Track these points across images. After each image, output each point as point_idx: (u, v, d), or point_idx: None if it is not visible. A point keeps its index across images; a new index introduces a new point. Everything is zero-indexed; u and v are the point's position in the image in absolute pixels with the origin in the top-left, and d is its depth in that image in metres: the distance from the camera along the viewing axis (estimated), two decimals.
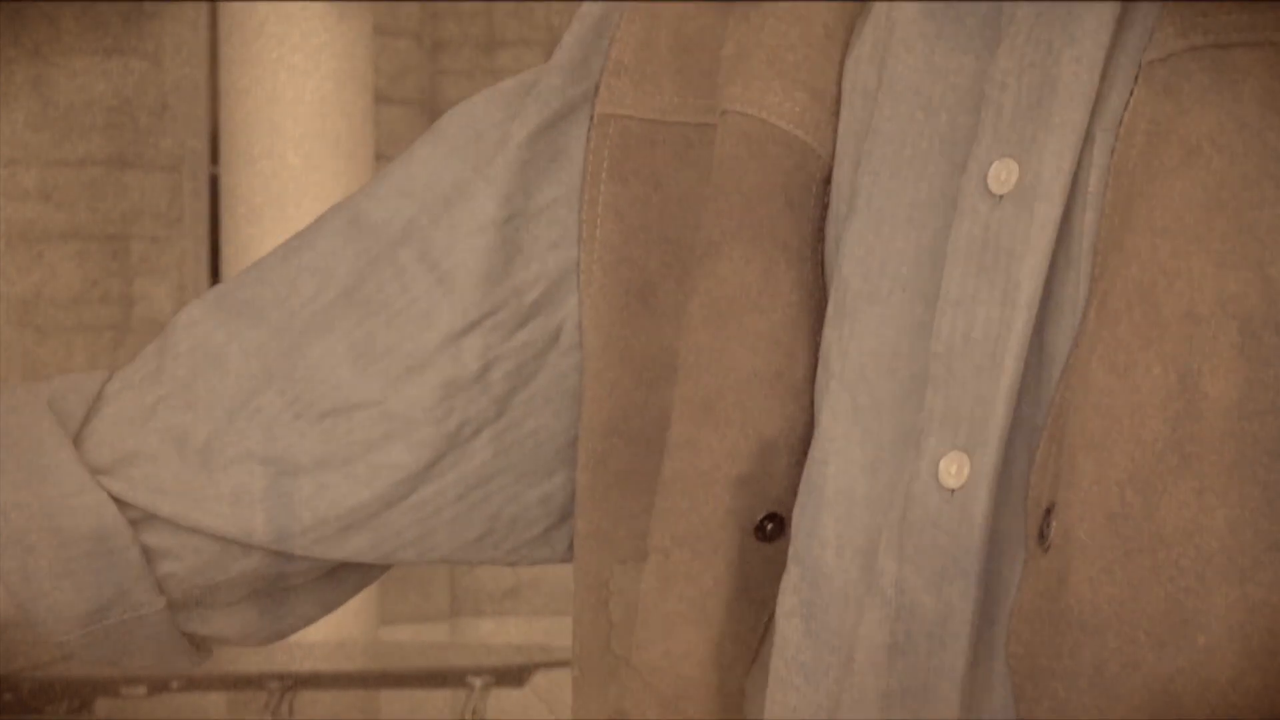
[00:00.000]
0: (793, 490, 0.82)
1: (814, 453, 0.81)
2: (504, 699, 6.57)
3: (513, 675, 6.10)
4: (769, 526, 0.82)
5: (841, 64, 0.86)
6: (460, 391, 0.93)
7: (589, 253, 0.91)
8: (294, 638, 6.96)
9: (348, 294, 0.94)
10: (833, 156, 0.84)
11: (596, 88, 0.93)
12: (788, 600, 0.80)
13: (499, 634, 9.02)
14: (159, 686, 6.00)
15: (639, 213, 0.90)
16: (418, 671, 6.30)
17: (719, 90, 0.88)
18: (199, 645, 1.00)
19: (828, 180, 0.84)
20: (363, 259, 0.95)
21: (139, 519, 0.95)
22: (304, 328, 0.94)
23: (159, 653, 0.98)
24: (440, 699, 8.26)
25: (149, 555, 0.95)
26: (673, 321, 0.88)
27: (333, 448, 0.93)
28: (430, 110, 9.34)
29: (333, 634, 7.04)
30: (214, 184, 8.85)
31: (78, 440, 0.96)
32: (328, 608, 1.01)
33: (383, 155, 7.95)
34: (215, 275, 8.96)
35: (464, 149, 0.95)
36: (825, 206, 0.85)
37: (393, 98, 8.98)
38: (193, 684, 6.14)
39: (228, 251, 7.33)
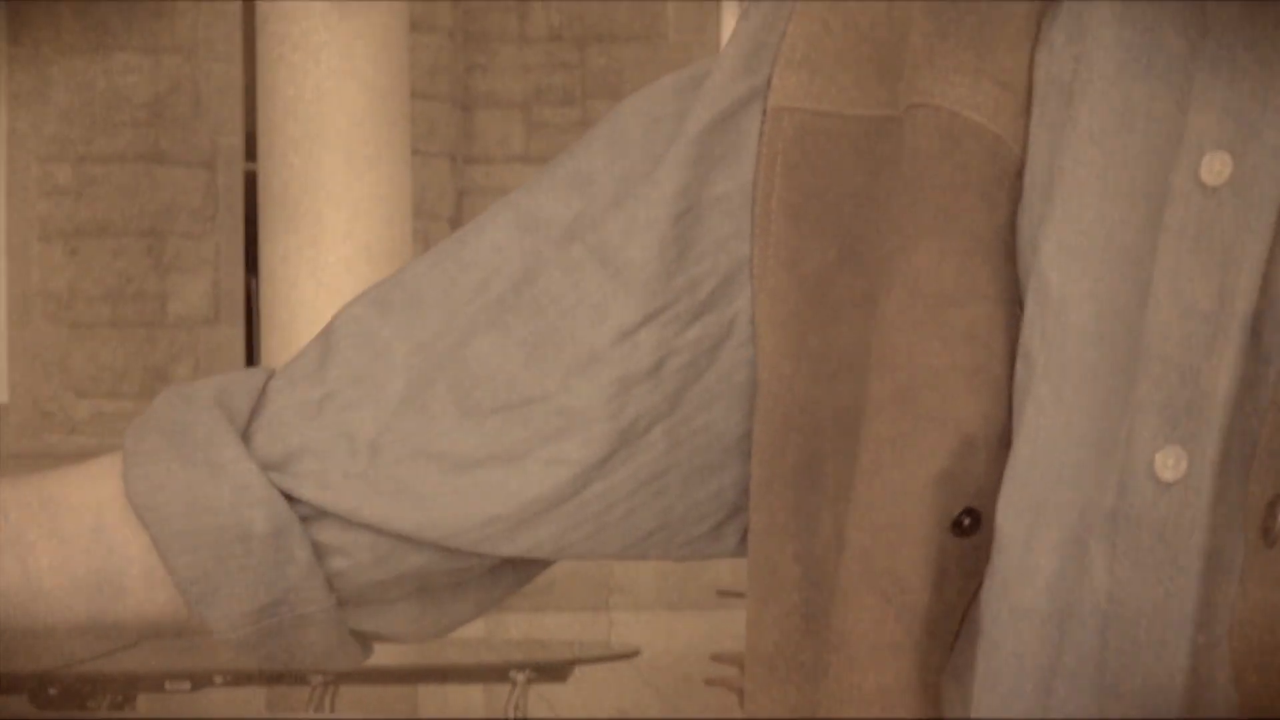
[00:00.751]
0: (990, 485, 0.81)
1: (1018, 447, 0.80)
2: (546, 693, 6.58)
3: (556, 670, 6.10)
4: (966, 521, 0.82)
5: (1032, 56, 0.85)
6: (634, 386, 0.92)
7: (763, 246, 0.91)
8: None
9: (516, 288, 0.94)
10: (1024, 150, 0.84)
11: (769, 81, 0.92)
12: (992, 596, 0.80)
13: (535, 629, 9.02)
14: (203, 681, 6.01)
15: (815, 206, 0.90)
16: (460, 666, 6.30)
17: (907, 83, 0.87)
18: (359, 643, 1.00)
19: (1019, 173, 0.84)
20: (531, 253, 0.94)
21: (309, 515, 0.95)
22: (471, 323, 0.94)
23: (324, 650, 0.98)
24: (479, 694, 8.27)
25: (319, 552, 0.95)
26: (850, 315, 0.88)
27: (505, 443, 0.93)
28: (462, 106, 9.35)
29: None
30: (248, 180, 8.86)
31: (245, 437, 0.96)
32: (483, 607, 1.01)
33: (417, 152, 7.95)
34: (249, 271, 8.97)
35: (635, 143, 0.94)
36: (1016, 200, 0.84)
37: (425, 93, 8.98)
38: (236, 679, 6.15)
39: (265, 249, 7.33)
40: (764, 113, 0.92)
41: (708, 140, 0.92)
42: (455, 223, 9.22)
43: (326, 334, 0.97)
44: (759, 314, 0.91)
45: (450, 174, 9.15)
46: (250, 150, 8.83)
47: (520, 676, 6.01)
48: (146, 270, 8.61)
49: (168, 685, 5.96)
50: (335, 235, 7.17)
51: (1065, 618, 0.78)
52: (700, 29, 9.42)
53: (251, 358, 9.00)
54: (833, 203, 0.90)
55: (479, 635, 8.68)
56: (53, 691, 5.89)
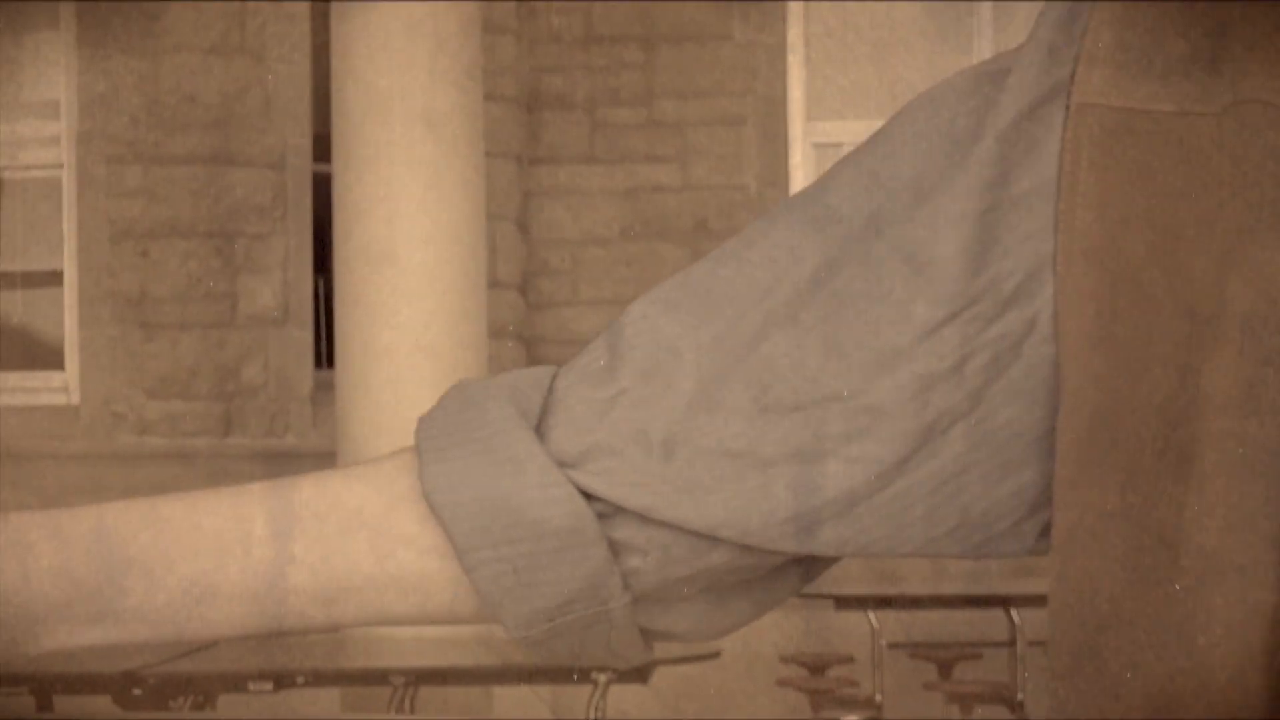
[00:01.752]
0: None
1: None
2: (625, 694, 6.58)
3: (636, 671, 6.10)
4: None
5: None
6: (936, 385, 0.92)
7: (1068, 242, 0.90)
8: (411, 631, 6.97)
9: (814, 285, 0.94)
10: None
11: (1071, 77, 0.92)
12: None
13: None
14: (285, 681, 6.02)
15: (1122, 202, 0.89)
16: (541, 667, 6.29)
17: (1229, 81, 0.87)
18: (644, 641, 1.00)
19: None
20: (829, 250, 0.94)
21: (605, 513, 0.94)
22: (765, 320, 0.94)
23: (614, 648, 0.98)
24: (548, 694, 8.27)
25: (614, 550, 0.95)
26: (1163, 309, 0.87)
27: (805, 441, 0.93)
28: (529, 107, 9.35)
29: (447, 630, 7.04)
30: (316, 181, 8.88)
31: (539, 434, 0.95)
32: (764, 607, 1.00)
33: (486, 153, 7.95)
34: (318, 272, 8.99)
35: (935, 139, 0.94)
36: None
37: (491, 94, 8.98)
38: (317, 679, 6.16)
39: (339, 250, 7.35)
40: (1067, 109, 0.92)
41: (1012, 137, 0.92)
42: (521, 224, 9.22)
43: (613, 333, 0.97)
44: (1063, 310, 0.90)
45: (516, 175, 9.16)
46: (318, 151, 8.86)
47: (602, 677, 6.00)
48: (216, 271, 8.63)
49: (251, 686, 5.97)
50: (411, 236, 7.18)
51: None
52: (766, 29, 9.41)
53: (320, 358, 9.02)
54: (1140, 198, 0.89)
55: None
56: (137, 692, 5.91)
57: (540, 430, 0.96)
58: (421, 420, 0.97)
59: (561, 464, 0.94)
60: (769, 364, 0.93)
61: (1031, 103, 0.92)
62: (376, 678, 6.08)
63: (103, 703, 6.13)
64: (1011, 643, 8.01)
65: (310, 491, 0.98)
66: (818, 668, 8.38)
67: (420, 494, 0.96)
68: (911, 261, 0.92)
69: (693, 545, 0.95)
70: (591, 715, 6.12)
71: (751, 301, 0.94)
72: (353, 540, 0.97)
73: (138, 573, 0.97)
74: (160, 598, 0.97)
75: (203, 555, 0.97)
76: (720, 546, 0.95)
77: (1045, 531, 0.94)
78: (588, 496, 0.94)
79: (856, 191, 0.95)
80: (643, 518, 0.94)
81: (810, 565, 0.99)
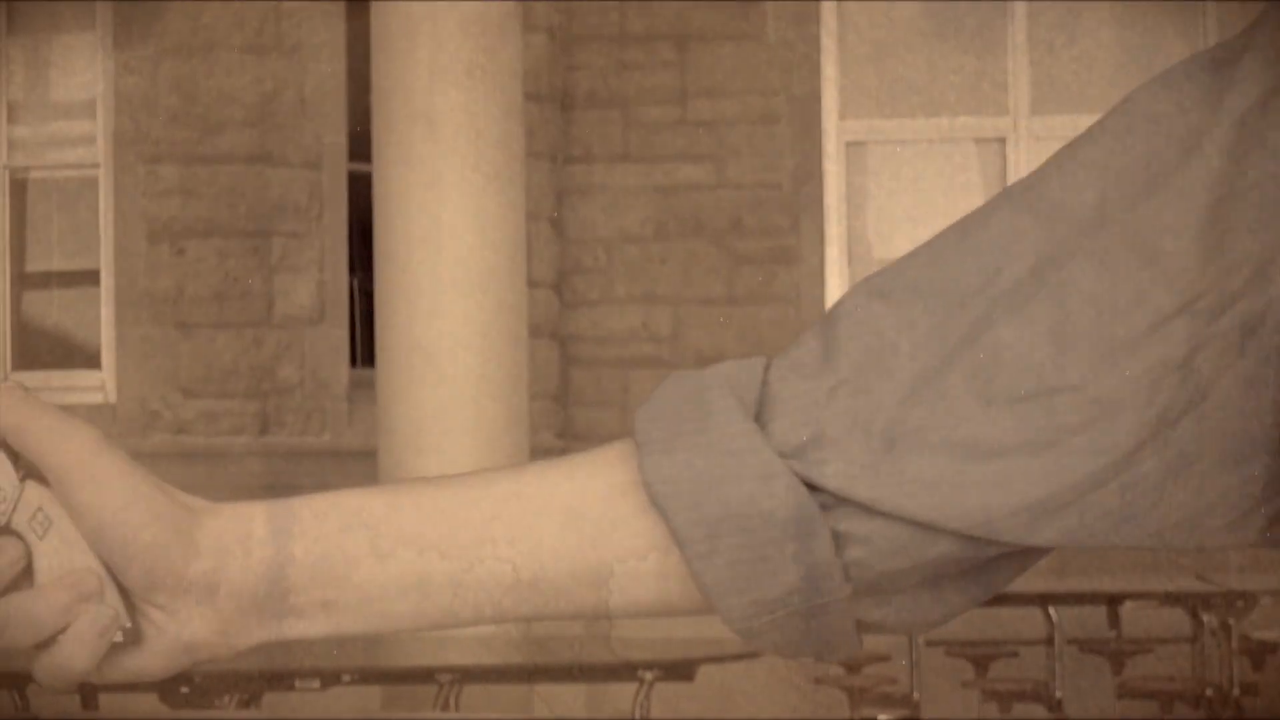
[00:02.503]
0: None
1: None
2: (669, 692, 6.57)
3: (682, 669, 6.10)
4: None
5: None
6: (1166, 376, 0.92)
7: None
8: (455, 630, 6.97)
9: (1038, 275, 0.93)
10: None
11: None
12: None
13: (644, 627, 9.01)
14: (332, 679, 6.03)
15: None
16: (587, 665, 6.30)
17: None
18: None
19: None
20: (1053, 239, 0.94)
21: (828, 504, 0.94)
22: (987, 309, 0.94)
23: (829, 640, 0.97)
24: (583, 692, 8.27)
25: (836, 541, 0.95)
26: None
27: (1032, 432, 0.93)
28: (563, 105, 9.35)
29: (490, 628, 7.04)
30: (351, 179, 8.88)
31: (758, 425, 0.95)
32: (976, 600, 1.00)
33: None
34: (353, 271, 8.99)
35: (1161, 130, 0.94)
36: None
37: (526, 93, 8.98)
38: (365, 677, 6.17)
39: (379, 249, 7.35)
40: None
41: (1244, 126, 0.92)
42: (556, 223, 9.22)
43: (827, 324, 0.97)
44: None
45: (551, 174, 9.16)
46: (354, 150, 8.86)
47: (648, 675, 6.00)
48: (253, 270, 8.64)
49: (298, 683, 5.98)
50: (452, 234, 7.19)
51: None
52: (800, 27, 9.41)
53: (355, 357, 9.02)
54: None
55: (578, 634, 8.68)
56: (185, 690, 5.91)
57: (759, 420, 0.95)
58: (640, 411, 0.97)
59: (782, 454, 0.94)
60: (993, 355, 0.93)
61: (1263, 93, 0.92)
62: (423, 676, 6.09)
63: (149, 701, 6.14)
64: (1049, 641, 8.01)
65: (531, 481, 0.98)
66: (853, 665, 8.38)
67: (639, 484, 0.96)
68: (1141, 251, 0.92)
69: (915, 537, 0.94)
70: (637, 714, 6.12)
71: (971, 292, 0.94)
72: (571, 531, 0.97)
73: (352, 564, 0.97)
74: (372, 590, 0.98)
75: (418, 545, 0.97)
76: (943, 538, 0.94)
77: (1273, 522, 0.94)
78: (810, 488, 0.94)
79: (1079, 181, 0.94)
80: (866, 509, 0.94)
81: (1025, 557, 0.99)
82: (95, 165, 8.80)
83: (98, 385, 8.66)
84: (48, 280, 8.95)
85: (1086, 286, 0.93)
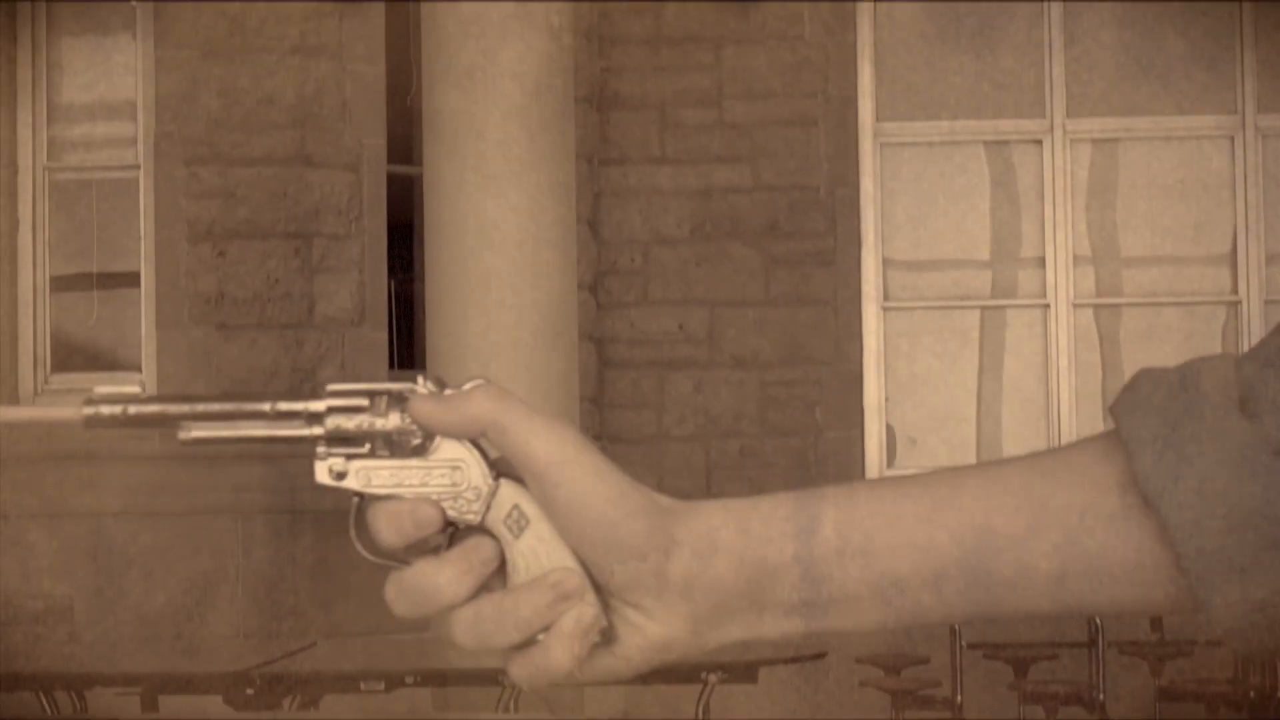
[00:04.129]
0: None
1: None
2: (732, 693, 6.57)
3: (745, 671, 6.10)
4: None
5: None
6: None
7: None
8: None
9: None
10: None
11: None
12: None
13: None
14: (396, 682, 6.02)
15: None
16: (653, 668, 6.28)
17: None
18: None
19: None
20: None
21: None
22: None
23: None
24: (620, 693, 8.26)
25: None
26: None
27: None
28: (598, 107, 9.34)
29: None
30: (389, 181, 8.87)
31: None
32: None
33: None
34: (392, 273, 8.98)
35: None
36: None
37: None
38: (427, 679, 6.16)
39: (430, 252, 7.35)
40: None
41: None
42: (593, 224, 9.22)
43: None
44: None
45: (587, 176, 9.15)
46: (392, 152, 8.85)
47: (713, 677, 6.00)
48: (294, 272, 8.63)
49: (363, 685, 5.97)
50: (502, 236, 7.18)
51: None
52: (836, 29, 9.41)
53: (395, 360, 9.01)
54: None
55: None
56: (250, 692, 5.90)
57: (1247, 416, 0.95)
58: (1122, 409, 0.97)
59: (1276, 453, 0.94)
60: None
61: None
62: (486, 678, 6.08)
63: (212, 703, 6.13)
64: (1091, 643, 8.00)
65: (1012, 480, 0.97)
66: (892, 667, 8.37)
67: (1123, 482, 0.95)
68: None
69: None
70: (700, 715, 6.12)
71: None
72: (1055, 529, 0.96)
73: (834, 561, 0.97)
74: (860, 588, 0.97)
75: (905, 543, 0.97)
76: None
77: None
78: None
79: None
80: None
81: None
82: (135, 167, 8.79)
83: (138, 387, 8.63)
84: (86, 282, 8.93)
85: None
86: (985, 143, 9.49)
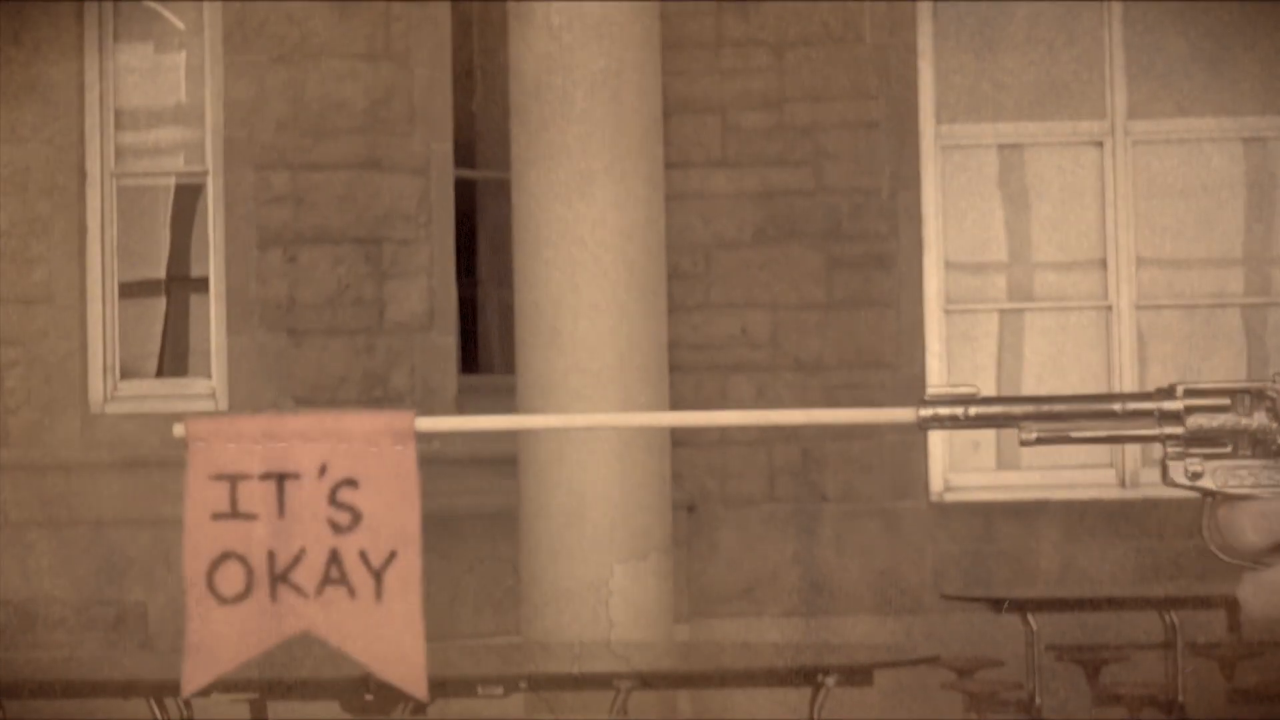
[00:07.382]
0: None
1: None
2: (844, 697, 6.56)
3: (861, 674, 6.09)
4: None
5: None
6: None
7: None
8: (601, 637, 6.94)
9: None
10: None
11: None
12: None
13: (735, 634, 9.00)
14: (512, 686, 6.01)
15: None
16: (765, 669, 6.28)
17: None
18: None
19: None
20: None
21: None
22: None
23: None
24: (698, 697, 8.25)
25: None
26: None
27: None
28: (661, 111, 9.33)
29: (643, 634, 7.02)
30: (457, 186, 8.86)
31: None
32: None
33: None
34: (461, 278, 8.96)
35: None
36: None
37: None
38: (544, 684, 6.15)
39: (519, 259, 7.34)
40: None
41: None
42: None
43: None
44: None
45: None
46: (459, 156, 8.83)
47: (829, 680, 5.99)
48: (364, 277, 8.61)
49: (480, 690, 5.95)
50: (595, 243, 7.17)
51: None
52: (896, 31, 9.41)
53: (463, 363, 8.99)
54: None
55: (688, 638, 8.66)
56: (369, 697, 5.89)
57: None
58: None
59: None
60: None
61: None
62: (600, 682, 6.07)
63: (325, 708, 6.11)
64: (1168, 645, 8.01)
65: None
66: (965, 669, 8.37)
67: None
68: None
69: None
70: (815, 716, 6.11)
71: None
72: None
73: None
74: None
75: None
76: None
77: None
78: None
79: None
80: None
81: None
82: (204, 172, 8.76)
83: (208, 393, 8.61)
84: (156, 287, 8.90)
85: None
86: (1047, 144, 9.49)
